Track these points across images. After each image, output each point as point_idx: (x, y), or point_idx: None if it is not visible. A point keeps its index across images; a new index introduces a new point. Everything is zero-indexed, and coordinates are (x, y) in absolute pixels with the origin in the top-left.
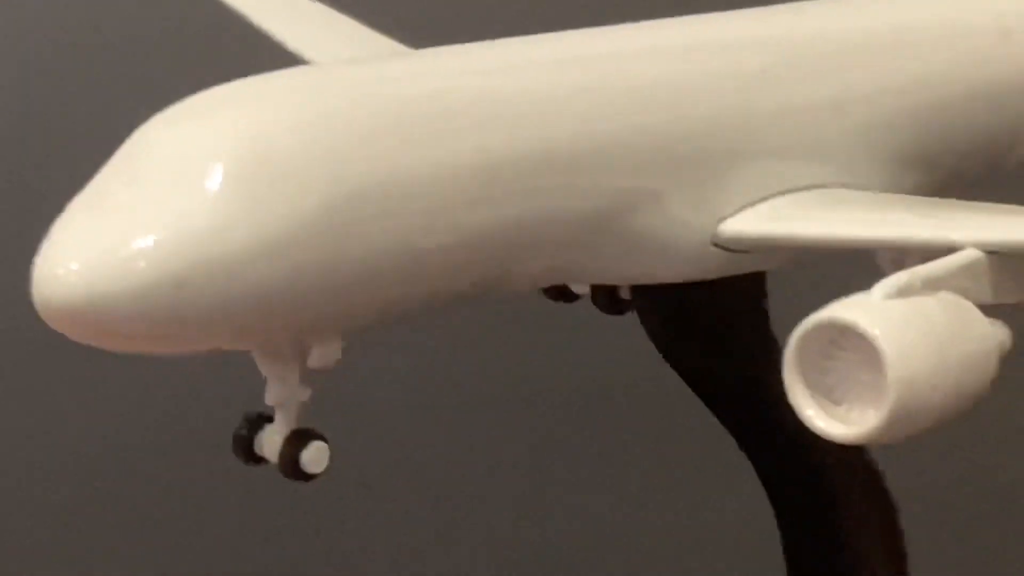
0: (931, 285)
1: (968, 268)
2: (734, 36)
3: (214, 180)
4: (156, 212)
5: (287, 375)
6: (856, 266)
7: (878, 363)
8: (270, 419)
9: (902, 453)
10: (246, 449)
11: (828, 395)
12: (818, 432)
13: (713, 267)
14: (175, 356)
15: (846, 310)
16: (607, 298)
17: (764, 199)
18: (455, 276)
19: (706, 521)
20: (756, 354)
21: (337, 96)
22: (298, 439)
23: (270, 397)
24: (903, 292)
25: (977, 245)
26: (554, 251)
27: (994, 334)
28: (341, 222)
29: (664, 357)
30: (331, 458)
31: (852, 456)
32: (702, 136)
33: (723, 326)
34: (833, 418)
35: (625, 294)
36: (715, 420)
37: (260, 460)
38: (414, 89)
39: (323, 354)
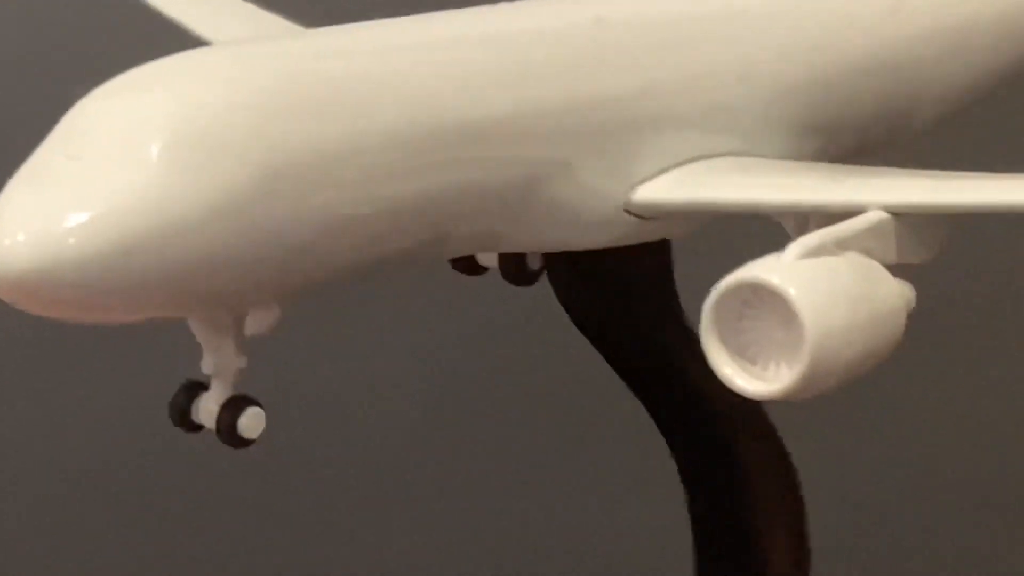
0: (841, 246)
1: (874, 229)
2: (636, 9)
3: (154, 151)
4: (99, 183)
5: (223, 344)
6: (754, 233)
7: (793, 321)
8: (206, 387)
9: (902, 453)
10: (183, 416)
11: (743, 354)
12: (737, 390)
13: (627, 234)
14: (119, 325)
15: (761, 270)
16: (516, 269)
17: (675, 166)
18: (384, 243)
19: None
20: (663, 320)
21: (269, 70)
22: (235, 405)
23: (207, 365)
24: (815, 252)
25: (883, 207)
26: (475, 220)
27: (901, 293)
28: (277, 190)
29: (576, 325)
30: (328, 454)
31: (758, 424)
32: (609, 106)
33: (632, 292)
34: (750, 376)
35: (533, 265)
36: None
37: (197, 427)
38: (339, 63)
39: (259, 321)
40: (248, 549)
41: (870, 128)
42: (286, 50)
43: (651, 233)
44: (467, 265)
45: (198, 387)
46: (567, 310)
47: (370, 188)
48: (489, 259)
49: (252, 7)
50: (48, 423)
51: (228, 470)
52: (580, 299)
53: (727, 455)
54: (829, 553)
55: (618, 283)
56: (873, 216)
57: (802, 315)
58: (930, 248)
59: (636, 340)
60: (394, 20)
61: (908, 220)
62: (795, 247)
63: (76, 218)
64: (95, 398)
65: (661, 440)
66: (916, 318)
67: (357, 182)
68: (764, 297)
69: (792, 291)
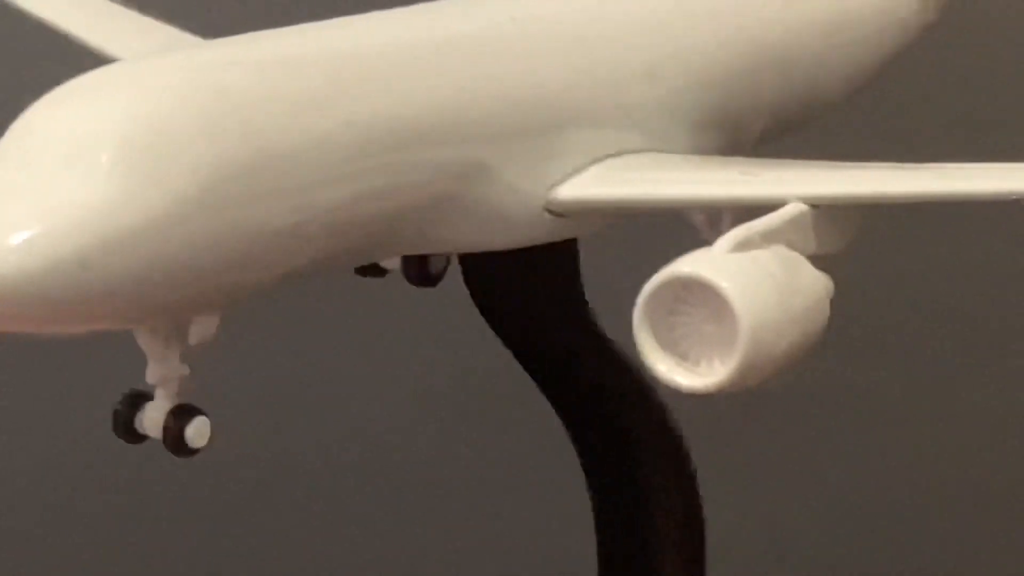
0: (766, 239)
1: (795, 221)
2: (546, 10)
3: (104, 160)
4: (51, 195)
5: (168, 353)
6: (654, 230)
7: (727, 314)
8: (148, 397)
9: (902, 453)
10: (126, 426)
11: (675, 350)
12: (673, 386)
13: (546, 232)
14: (70, 338)
15: (693, 265)
16: (418, 271)
17: (592, 164)
18: (320, 249)
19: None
20: (570, 319)
21: (213, 76)
22: (182, 415)
23: (152, 375)
24: (743, 246)
25: (801, 199)
26: (405, 224)
27: (823, 283)
28: (227, 195)
29: (490, 325)
30: (329, 453)
31: (659, 424)
32: (527, 107)
33: (539, 291)
34: (685, 372)
35: (436, 266)
36: (715, 421)
37: (140, 438)
38: (277, 70)
39: (202, 330)
40: (248, 549)
41: (770, 117)
42: (227, 57)
43: (570, 231)
44: (368, 267)
45: (141, 397)
46: (480, 309)
47: (313, 194)
48: (392, 261)
49: (150, 20)
50: (45, 423)
51: (229, 470)
52: (492, 297)
53: (628, 462)
54: (830, 553)
55: (526, 281)
56: (794, 208)
57: (736, 308)
58: (844, 239)
59: (542, 339)
60: (312, 25)
61: (825, 211)
62: (725, 241)
63: (31, 232)
64: (89, 398)
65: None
66: (917, 317)
67: (299, 188)
68: (696, 292)
69: (725, 284)
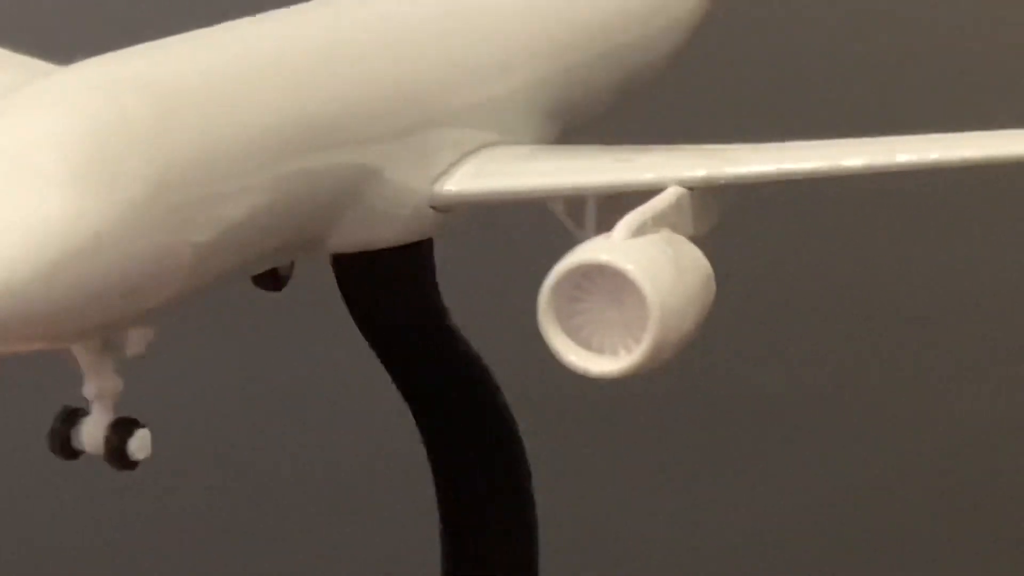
0: (656, 222)
1: (677, 204)
2: (405, 9)
3: (58, 171)
4: (8, 210)
5: (103, 367)
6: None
7: (633, 298)
8: (82, 412)
9: (900, 452)
10: (63, 443)
11: (576, 338)
12: (584, 374)
13: (429, 228)
14: (26, 355)
15: (597, 251)
16: (269, 275)
17: (465, 158)
18: (245, 251)
19: (708, 524)
20: (430, 314)
21: (153, 80)
22: (122, 428)
23: (89, 390)
24: (640, 231)
25: (679, 183)
26: (304, 227)
27: (704, 260)
28: (172, 201)
29: (357, 323)
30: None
31: (499, 423)
32: (402, 105)
33: (406, 288)
34: (592, 358)
35: (285, 270)
36: (714, 421)
37: (77, 454)
38: (209, 72)
39: (138, 340)
40: (247, 550)
41: (594, 103)
42: (163, 60)
43: (447, 224)
44: (266, 279)
45: (76, 413)
46: (351, 308)
47: (247, 197)
48: (287, 269)
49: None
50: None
51: (223, 471)
52: (365, 295)
53: (467, 459)
54: (828, 554)
55: (393, 279)
56: (674, 192)
57: (645, 290)
58: (713, 219)
59: (404, 336)
60: (222, 27)
61: (699, 194)
62: (622, 227)
63: None
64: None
65: (661, 440)
66: (916, 318)
67: (233, 192)
68: (598, 279)
69: (631, 268)
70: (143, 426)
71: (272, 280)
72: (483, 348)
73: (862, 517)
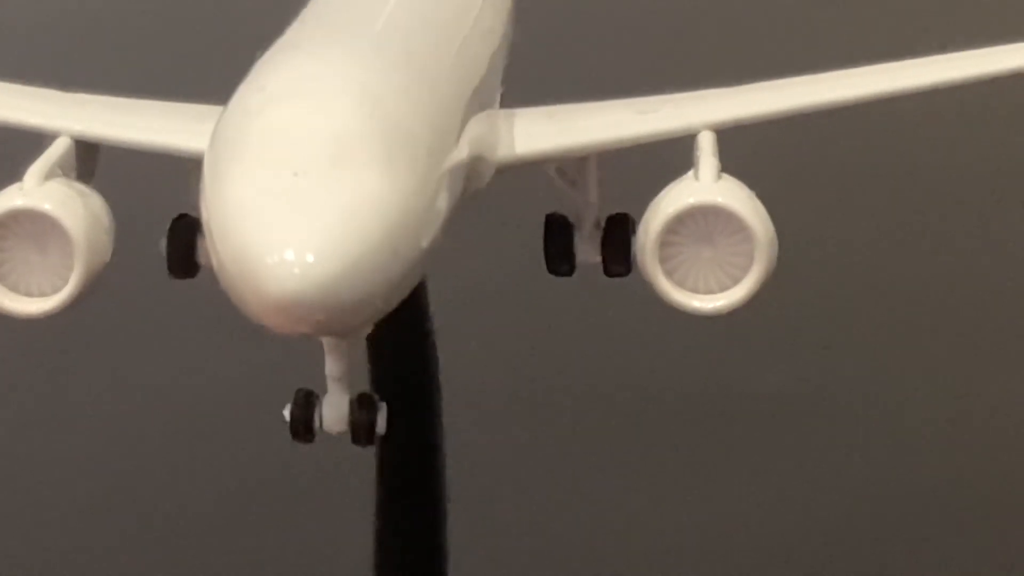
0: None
1: (714, 149)
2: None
3: (367, 155)
4: (337, 197)
5: (347, 347)
6: None
7: (743, 231)
8: (315, 394)
9: (901, 453)
10: (306, 426)
11: (671, 279)
12: (699, 312)
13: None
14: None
15: (698, 193)
16: (184, 261)
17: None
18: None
19: (707, 523)
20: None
21: (388, 63)
22: (368, 404)
23: (334, 370)
24: (720, 175)
25: (707, 127)
26: (476, 176)
27: None
28: (441, 171)
29: None
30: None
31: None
32: (493, 80)
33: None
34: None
35: (202, 258)
36: (715, 422)
37: (314, 436)
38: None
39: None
40: (247, 549)
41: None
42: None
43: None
44: (183, 267)
45: (311, 396)
46: None
47: (462, 152)
48: (205, 258)
49: None
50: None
51: (222, 473)
52: None
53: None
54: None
55: None
56: (707, 136)
57: (751, 224)
58: None
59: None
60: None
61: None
62: (707, 172)
63: (336, 236)
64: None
65: (660, 441)
66: (914, 318)
67: (461, 156)
68: (687, 221)
69: (736, 205)
70: (383, 401)
71: (189, 267)
72: (483, 348)
73: (862, 517)
